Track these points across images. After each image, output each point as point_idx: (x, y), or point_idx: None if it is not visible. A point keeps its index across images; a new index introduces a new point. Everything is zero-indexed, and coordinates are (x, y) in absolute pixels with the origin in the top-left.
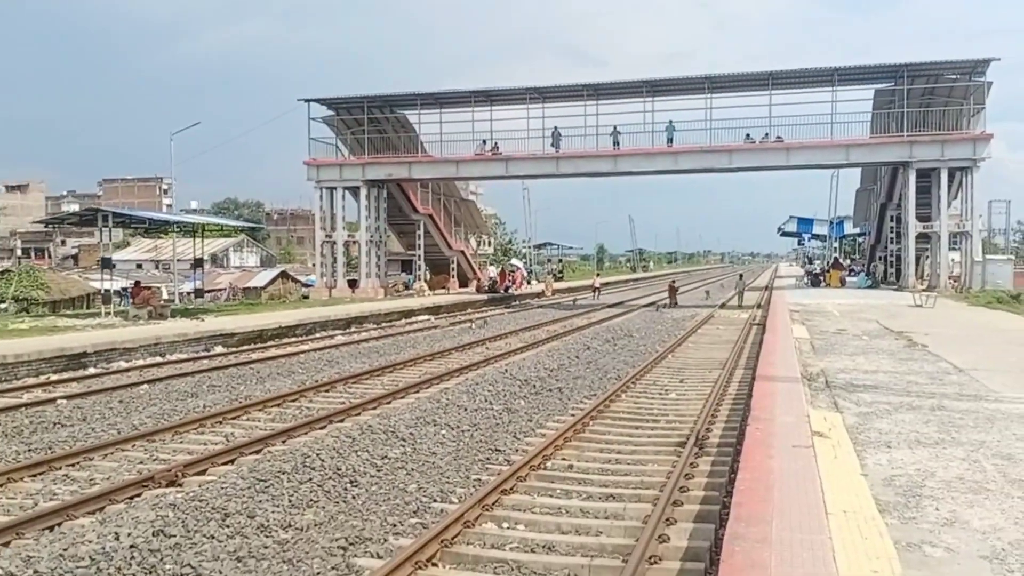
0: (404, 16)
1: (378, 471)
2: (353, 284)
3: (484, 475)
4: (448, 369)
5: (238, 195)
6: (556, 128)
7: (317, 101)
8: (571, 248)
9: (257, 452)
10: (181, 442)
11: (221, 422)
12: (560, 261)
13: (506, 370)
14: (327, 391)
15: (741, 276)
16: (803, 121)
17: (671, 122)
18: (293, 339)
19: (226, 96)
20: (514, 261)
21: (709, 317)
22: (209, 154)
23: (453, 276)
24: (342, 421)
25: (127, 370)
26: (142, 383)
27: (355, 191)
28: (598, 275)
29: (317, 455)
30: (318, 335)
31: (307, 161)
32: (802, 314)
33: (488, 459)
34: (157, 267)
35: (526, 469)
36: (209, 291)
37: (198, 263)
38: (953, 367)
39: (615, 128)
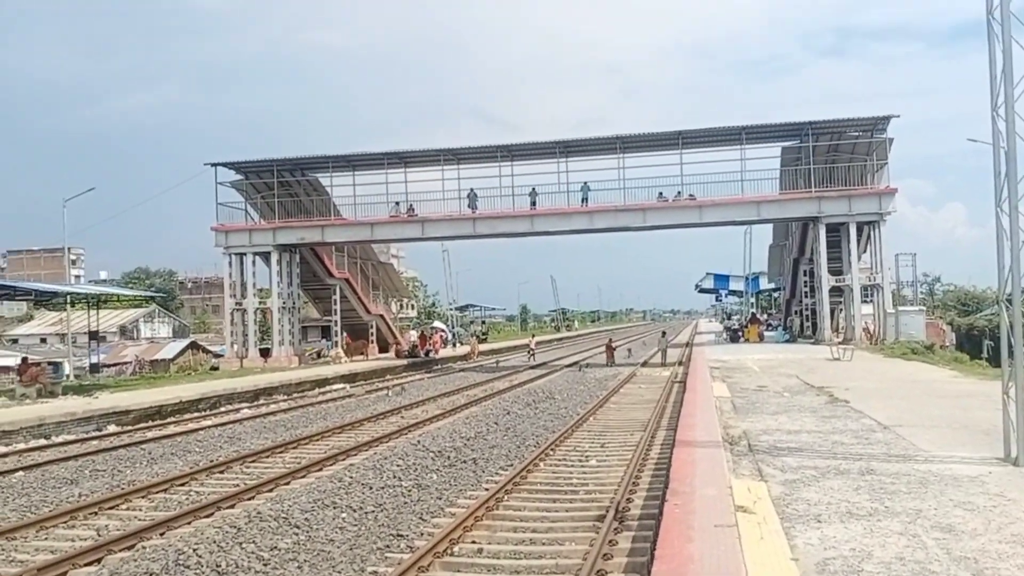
0: (322, 82)
1: (264, 566)
2: (265, 353)
3: (382, 567)
4: (358, 443)
5: (150, 264)
6: (472, 190)
7: (224, 165)
8: (494, 309)
9: (129, 548)
10: (45, 538)
11: (96, 513)
12: (483, 323)
13: (419, 441)
14: (221, 472)
15: (664, 334)
16: (714, 179)
17: (585, 183)
18: (196, 414)
19: (139, 162)
20: (436, 324)
21: (631, 376)
22: (120, 222)
23: (372, 341)
24: (232, 507)
25: (3, 455)
26: (17, 470)
27: (266, 256)
28: (534, 335)
29: (195, 550)
30: (223, 409)
31: (215, 227)
32: (722, 371)
33: (389, 546)
34: (63, 341)
35: (429, 557)
36: (114, 364)
37: (94, 336)
38: (878, 424)
39: (533, 189)
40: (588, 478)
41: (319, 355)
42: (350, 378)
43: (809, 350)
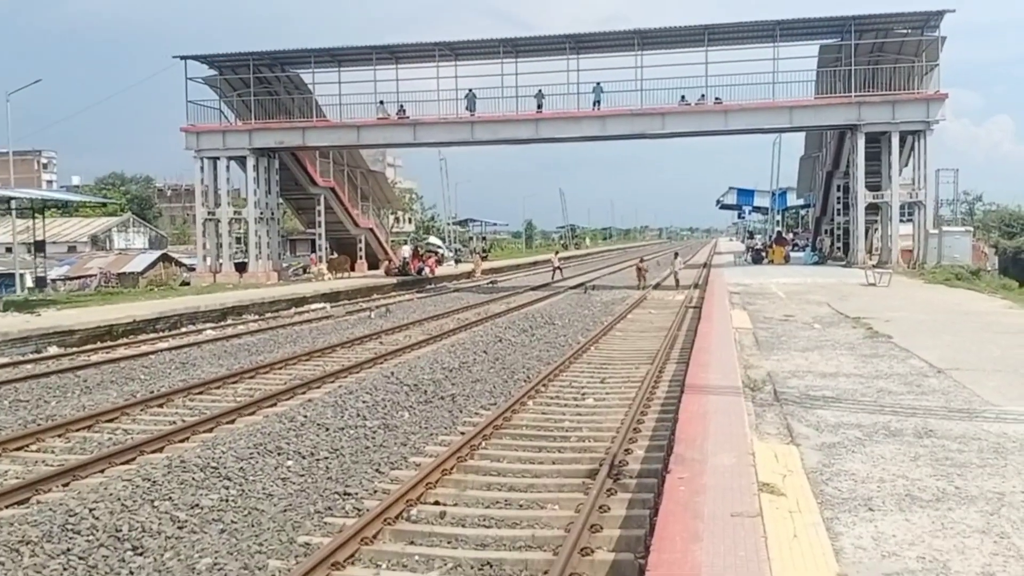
0: None
1: (179, 530)
2: (241, 268)
3: (317, 536)
4: (324, 372)
5: (126, 169)
6: (471, 90)
7: (196, 58)
8: (496, 225)
9: (21, 503)
10: None
11: None
12: (484, 239)
13: (394, 372)
14: (160, 406)
15: (676, 254)
16: (743, 81)
17: (598, 83)
18: (152, 335)
19: (118, 62)
20: (432, 239)
21: (641, 300)
22: (97, 125)
23: (361, 257)
24: (159, 450)
25: None
26: None
27: (242, 161)
28: (557, 251)
29: (92, 510)
30: (183, 330)
31: (184, 128)
32: (743, 296)
33: (332, 508)
34: (30, 251)
35: (378, 523)
36: (77, 278)
37: (39, 247)
38: (929, 366)
39: (539, 91)
40: (582, 421)
41: (305, 270)
42: (331, 297)
43: (841, 274)
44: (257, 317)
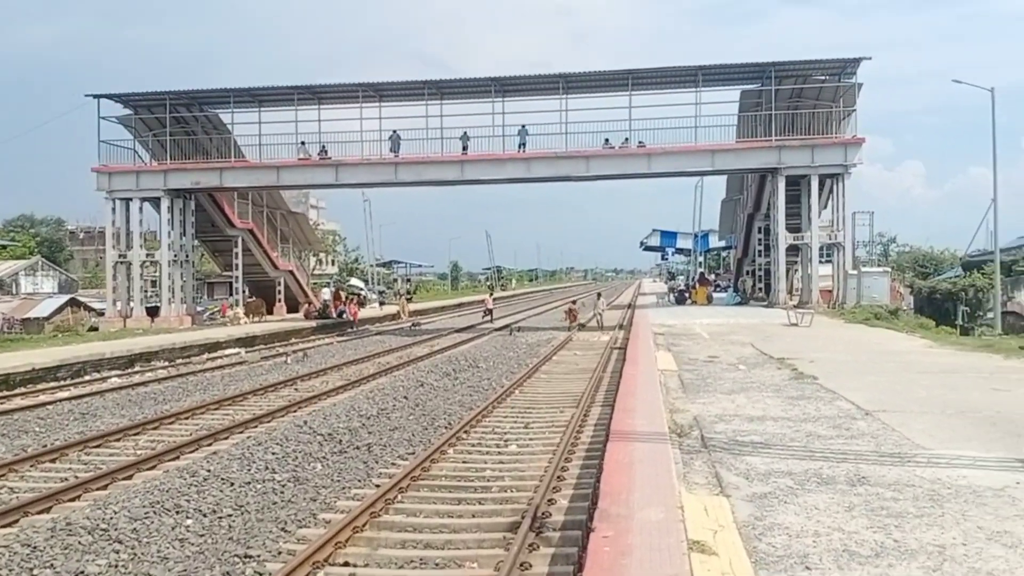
0: (246, 16)
1: None
2: (153, 312)
3: None
4: (233, 422)
5: (36, 211)
6: (395, 131)
7: (109, 97)
8: (420, 266)
9: None
10: None
11: None
12: (408, 280)
13: (307, 421)
14: (52, 461)
15: (600, 295)
16: (666, 125)
17: (523, 126)
18: (53, 384)
19: (21, 98)
20: (354, 281)
21: (567, 341)
22: (3, 166)
23: (280, 300)
24: (47, 510)
25: None
26: None
27: (156, 203)
28: (491, 292)
29: None
30: (87, 378)
31: (96, 168)
32: (667, 337)
33: (231, 573)
34: None
35: None
36: None
37: None
38: (856, 408)
39: (464, 132)
40: (505, 469)
41: (218, 315)
42: (247, 342)
43: (763, 314)
44: (167, 364)
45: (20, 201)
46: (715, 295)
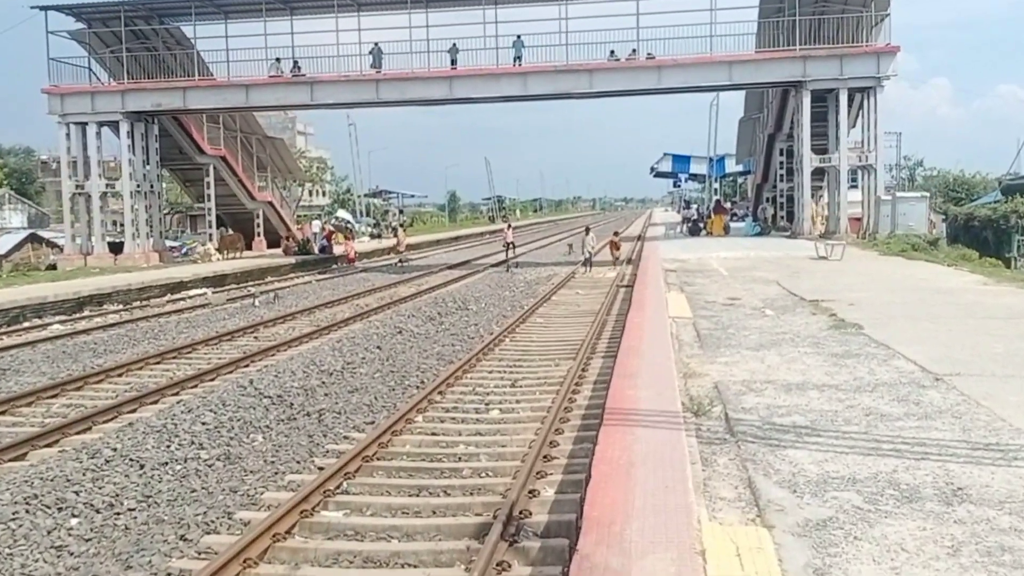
0: None
1: None
2: (117, 249)
3: None
4: (170, 380)
5: (3, 140)
6: (376, 45)
7: (59, 8)
8: (414, 196)
9: None
10: None
11: None
12: (401, 212)
13: (257, 378)
14: None
15: (588, 230)
16: (678, 35)
17: (519, 37)
18: None
19: None
20: (340, 213)
21: (569, 277)
22: None
23: (259, 234)
24: None
25: None
26: None
27: (115, 127)
28: (510, 224)
29: None
30: (25, 325)
31: (46, 89)
32: (680, 274)
33: None
34: None
35: None
36: None
37: None
38: (920, 370)
39: (453, 45)
40: (481, 444)
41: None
42: (216, 281)
43: (787, 246)
44: (122, 307)
45: None
46: (732, 225)
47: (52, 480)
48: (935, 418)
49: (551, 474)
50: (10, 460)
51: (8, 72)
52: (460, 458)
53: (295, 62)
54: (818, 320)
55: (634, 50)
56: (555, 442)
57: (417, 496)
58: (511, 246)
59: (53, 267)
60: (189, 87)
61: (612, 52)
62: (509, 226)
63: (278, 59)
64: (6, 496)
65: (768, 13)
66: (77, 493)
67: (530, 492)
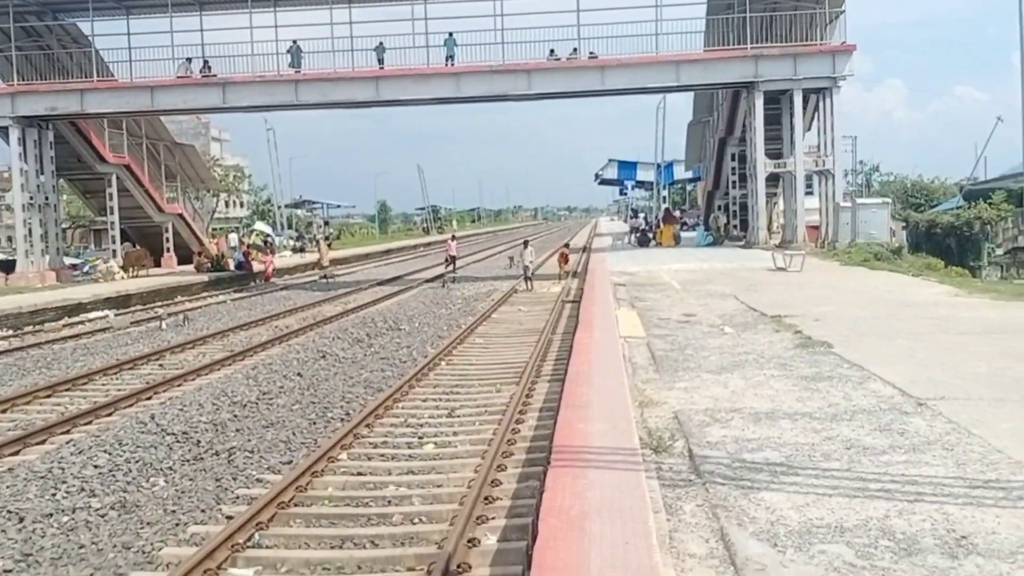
0: None
1: None
2: (8, 267)
3: None
4: (62, 416)
5: None
6: (295, 43)
7: None
8: (340, 207)
9: None
10: None
11: None
12: (326, 223)
13: (159, 413)
14: None
15: (527, 244)
16: (622, 32)
17: (451, 34)
18: None
19: None
20: (259, 226)
21: (510, 293)
22: None
23: (169, 250)
24: None
25: None
26: None
27: (4, 133)
28: (454, 235)
29: None
30: None
31: None
32: (629, 288)
33: None
34: None
35: None
36: None
37: None
38: (901, 393)
39: (380, 43)
40: (415, 485)
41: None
42: (120, 302)
43: (742, 256)
44: (12, 333)
45: None
46: (683, 235)
47: None
48: (924, 450)
49: (493, 518)
50: None
51: None
52: (390, 501)
53: (205, 62)
54: (782, 338)
55: (575, 49)
56: (497, 480)
57: (340, 548)
58: (453, 260)
59: None
60: (87, 89)
61: (552, 51)
62: (452, 237)
63: (188, 59)
64: None
65: (717, 10)
66: None
67: (469, 541)
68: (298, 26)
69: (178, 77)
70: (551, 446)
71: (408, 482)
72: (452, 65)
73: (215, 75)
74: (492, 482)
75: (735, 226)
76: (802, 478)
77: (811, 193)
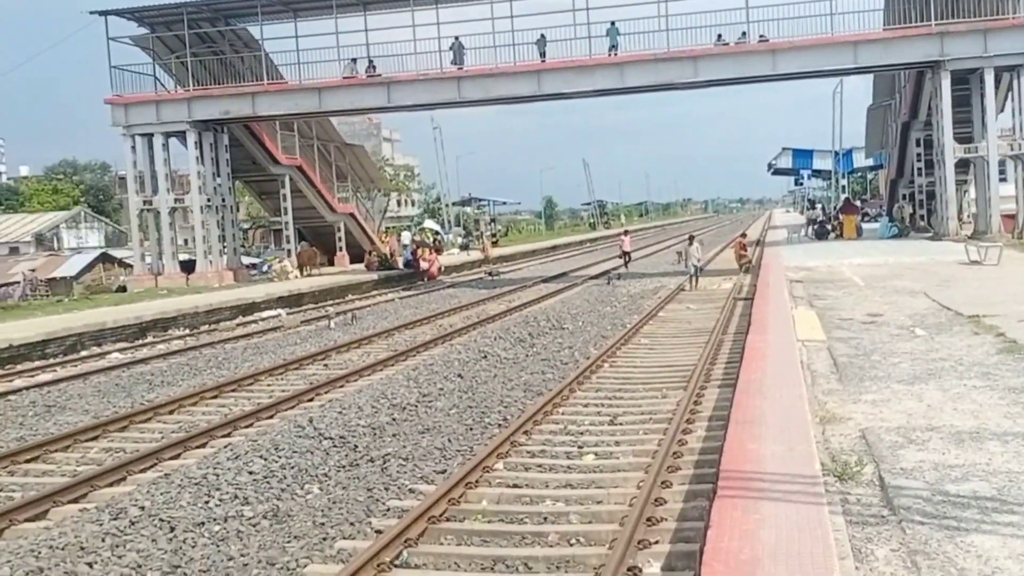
0: None
1: None
2: (189, 267)
3: None
4: (225, 418)
5: (79, 156)
6: (457, 39)
7: (118, 13)
8: (506, 204)
9: None
10: None
11: None
12: (493, 221)
13: (317, 416)
14: None
15: (692, 239)
16: (793, 14)
17: (613, 24)
18: (38, 363)
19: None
20: (428, 223)
21: (678, 290)
22: (43, 109)
23: (341, 249)
24: None
25: None
26: None
27: (182, 137)
28: (627, 231)
29: None
30: (84, 354)
31: (109, 99)
32: (807, 285)
33: None
34: None
35: None
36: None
37: None
38: None
39: (541, 36)
40: (572, 500)
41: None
42: (292, 301)
43: (930, 249)
44: (187, 332)
45: (61, 146)
46: (865, 226)
47: (63, 548)
48: None
49: (656, 542)
50: (26, 520)
51: (83, 84)
52: (546, 519)
53: (370, 61)
54: (983, 341)
55: (744, 33)
56: (661, 499)
57: (491, 570)
58: (627, 255)
59: (123, 288)
60: (258, 92)
61: (719, 36)
62: (626, 232)
63: (354, 59)
64: (4, 571)
65: None
66: (91, 566)
67: (630, 570)
68: (459, 22)
69: (344, 78)
70: (718, 472)
71: (566, 497)
72: (615, 55)
73: (379, 75)
74: (656, 500)
75: (921, 216)
76: (1020, 517)
77: (1004, 180)
